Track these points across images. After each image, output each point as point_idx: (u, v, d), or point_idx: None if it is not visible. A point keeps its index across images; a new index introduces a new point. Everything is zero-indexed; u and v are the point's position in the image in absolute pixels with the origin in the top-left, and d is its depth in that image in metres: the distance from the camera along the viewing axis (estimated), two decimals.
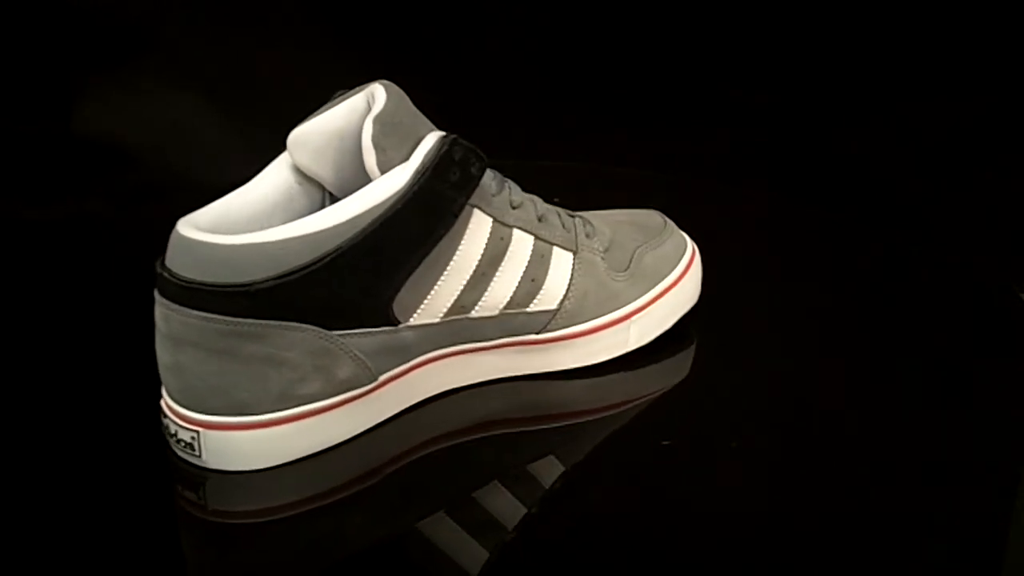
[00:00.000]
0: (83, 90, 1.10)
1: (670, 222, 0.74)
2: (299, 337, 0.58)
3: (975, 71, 1.14)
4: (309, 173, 0.63)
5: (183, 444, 0.60)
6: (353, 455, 0.62)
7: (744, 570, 0.57)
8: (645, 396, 0.70)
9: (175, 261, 0.57)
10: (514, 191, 0.66)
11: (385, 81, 0.63)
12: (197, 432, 0.59)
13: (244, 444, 0.59)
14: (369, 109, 0.61)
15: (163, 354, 0.59)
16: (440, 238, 0.61)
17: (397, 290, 0.60)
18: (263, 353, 0.58)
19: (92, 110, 1.10)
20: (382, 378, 0.63)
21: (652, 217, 0.74)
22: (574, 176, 0.90)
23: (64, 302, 0.78)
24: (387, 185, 0.58)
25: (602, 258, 0.69)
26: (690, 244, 0.74)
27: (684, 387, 0.70)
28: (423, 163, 0.59)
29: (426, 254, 0.60)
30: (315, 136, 0.62)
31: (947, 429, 0.66)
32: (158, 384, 0.62)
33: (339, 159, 0.61)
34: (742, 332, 0.75)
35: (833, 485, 0.62)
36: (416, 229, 0.59)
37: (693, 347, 0.73)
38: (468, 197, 0.62)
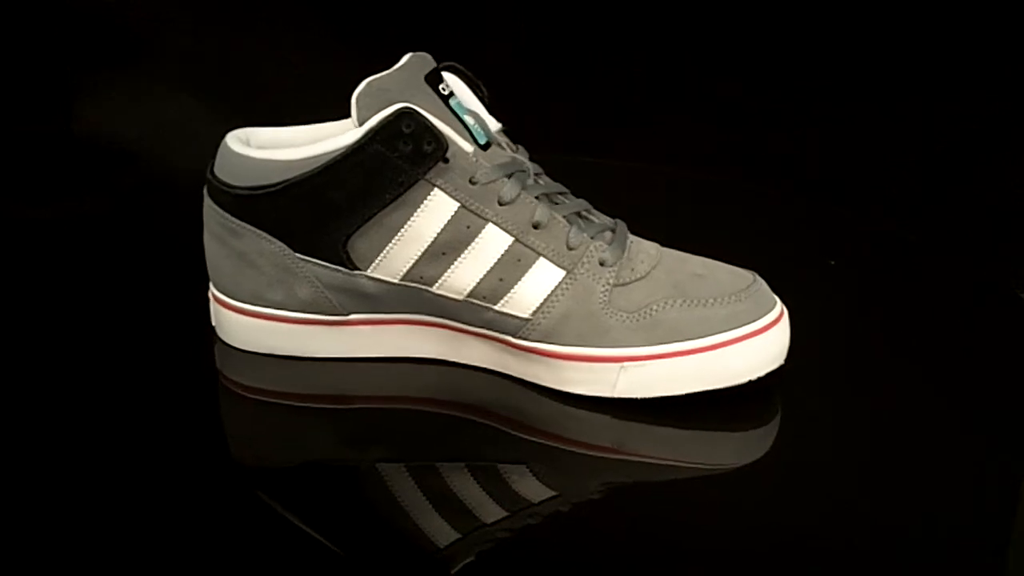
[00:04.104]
0: (83, 90, 1.10)
1: (759, 291, 0.66)
2: (267, 247, 0.67)
3: (977, 70, 1.14)
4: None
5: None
6: (329, 375, 0.69)
7: None
8: (623, 453, 0.65)
9: (216, 160, 0.68)
10: (509, 188, 0.65)
11: (423, 54, 0.67)
12: (210, 299, 0.71)
13: (229, 323, 0.70)
14: None
15: None
16: (388, 202, 0.64)
17: (347, 235, 0.65)
18: (240, 249, 0.67)
19: (92, 110, 1.11)
20: (352, 317, 0.68)
21: (736, 278, 0.67)
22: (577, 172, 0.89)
23: (64, 302, 0.78)
24: (344, 139, 0.64)
25: (605, 289, 0.65)
26: (763, 322, 0.65)
27: (661, 463, 0.64)
28: (371, 127, 0.64)
29: (374, 212, 0.65)
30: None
31: (947, 429, 0.66)
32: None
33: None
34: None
35: (830, 483, 0.62)
36: (358, 185, 0.64)
37: (712, 421, 0.65)
38: (423, 173, 0.64)
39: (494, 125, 0.68)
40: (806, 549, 0.58)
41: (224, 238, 0.68)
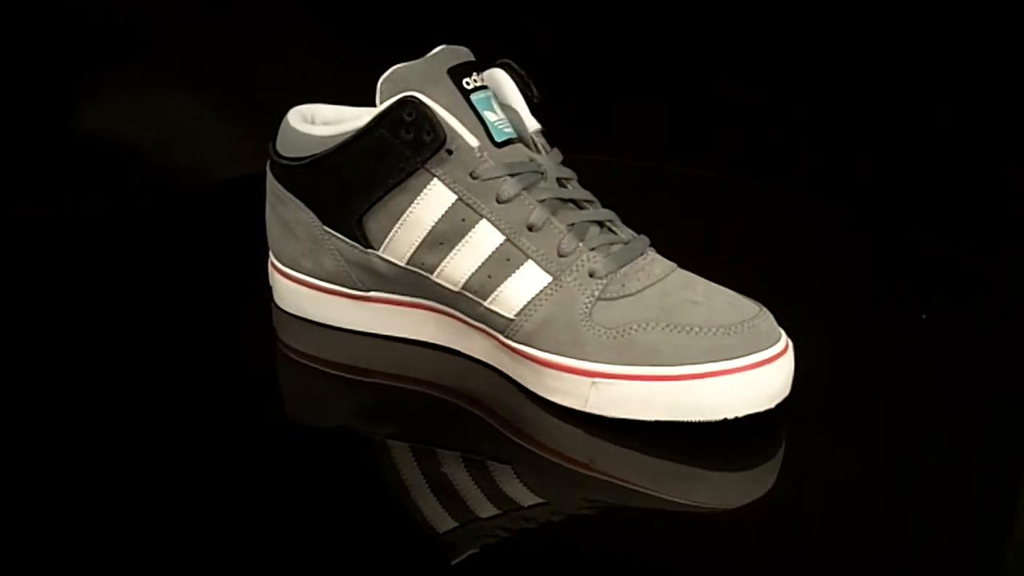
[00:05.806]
0: (83, 90, 1.11)
1: (756, 327, 0.62)
2: (303, 217, 0.70)
3: (977, 70, 1.14)
4: None
5: None
6: (354, 346, 0.72)
7: None
8: (595, 471, 0.62)
9: (278, 132, 0.72)
10: (509, 187, 0.65)
11: (457, 47, 0.68)
12: (269, 263, 0.74)
13: (276, 284, 0.74)
14: None
15: None
16: (391, 186, 0.66)
17: (360, 213, 0.68)
18: (284, 216, 0.71)
19: (92, 110, 1.11)
20: (372, 295, 0.70)
21: (735, 310, 0.63)
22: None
23: (65, 301, 0.78)
24: (358, 122, 0.67)
25: (589, 301, 0.64)
26: (747, 360, 0.61)
27: (629, 488, 0.61)
28: (378, 112, 0.65)
29: (381, 194, 0.67)
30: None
31: (947, 429, 0.66)
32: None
33: None
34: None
35: (830, 482, 0.62)
36: (365, 167, 0.67)
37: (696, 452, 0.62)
38: (423, 162, 0.65)
39: (532, 125, 0.68)
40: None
41: (275, 205, 0.72)
